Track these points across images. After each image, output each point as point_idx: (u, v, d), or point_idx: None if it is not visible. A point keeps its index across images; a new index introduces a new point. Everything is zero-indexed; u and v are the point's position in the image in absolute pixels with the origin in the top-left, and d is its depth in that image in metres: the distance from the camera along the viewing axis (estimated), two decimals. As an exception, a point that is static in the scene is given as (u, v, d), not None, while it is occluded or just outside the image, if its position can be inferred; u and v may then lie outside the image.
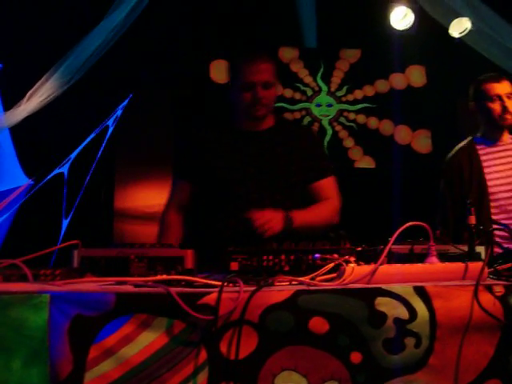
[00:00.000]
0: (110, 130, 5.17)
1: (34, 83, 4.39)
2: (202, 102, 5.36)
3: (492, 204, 3.17)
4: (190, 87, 5.37)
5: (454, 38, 5.01)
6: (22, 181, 4.79)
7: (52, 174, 4.90)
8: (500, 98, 3.19)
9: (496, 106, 3.20)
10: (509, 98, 3.19)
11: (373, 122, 5.63)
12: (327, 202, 2.84)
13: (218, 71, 5.44)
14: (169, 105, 5.36)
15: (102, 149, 5.09)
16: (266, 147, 2.78)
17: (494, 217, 3.13)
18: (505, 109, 3.18)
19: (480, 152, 3.30)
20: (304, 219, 2.66)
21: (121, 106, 5.16)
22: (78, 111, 4.76)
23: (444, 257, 1.79)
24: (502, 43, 4.87)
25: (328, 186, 2.87)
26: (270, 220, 2.53)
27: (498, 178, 3.23)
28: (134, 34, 4.62)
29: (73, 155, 4.99)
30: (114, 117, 5.16)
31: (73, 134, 4.90)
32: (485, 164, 3.26)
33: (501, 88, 3.21)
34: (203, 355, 1.34)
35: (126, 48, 4.74)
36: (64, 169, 4.97)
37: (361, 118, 5.63)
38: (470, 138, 3.41)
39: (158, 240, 2.89)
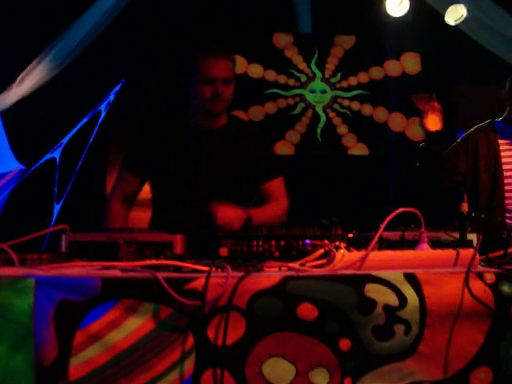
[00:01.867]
0: (103, 114, 5.12)
1: (24, 67, 4.34)
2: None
3: (506, 188, 3.13)
4: (183, 72, 5.32)
5: (449, 25, 4.98)
6: (13, 166, 4.75)
7: (44, 159, 4.86)
8: None
9: None
10: None
11: (367, 109, 5.60)
12: (279, 202, 2.88)
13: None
14: (161, 90, 5.31)
15: (94, 134, 5.04)
16: (218, 145, 2.78)
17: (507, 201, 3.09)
18: None
19: (499, 135, 3.27)
20: (260, 218, 2.64)
21: (113, 91, 5.11)
22: (70, 96, 4.72)
23: (436, 244, 1.78)
24: (498, 30, 4.85)
25: (278, 186, 2.90)
26: (233, 218, 2.53)
27: None
28: (126, 17, 4.58)
29: (65, 140, 4.94)
30: (107, 102, 5.11)
31: (65, 119, 4.85)
32: (502, 147, 3.22)
33: None
34: (190, 341, 1.33)
35: (118, 32, 4.70)
36: (56, 154, 4.93)
37: (355, 105, 5.60)
38: (489, 121, 3.38)
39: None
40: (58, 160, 4.94)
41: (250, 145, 2.83)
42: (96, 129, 5.06)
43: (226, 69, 2.70)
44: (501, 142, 3.24)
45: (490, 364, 1.41)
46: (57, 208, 4.90)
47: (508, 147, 3.22)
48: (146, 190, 5.01)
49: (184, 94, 2.84)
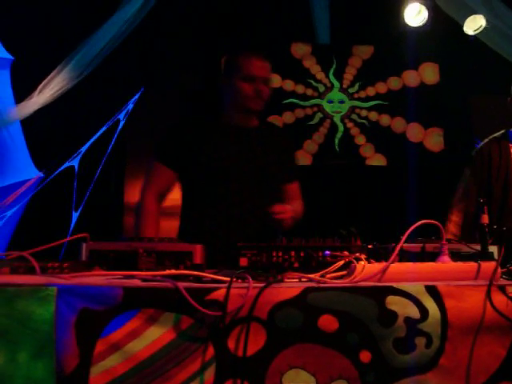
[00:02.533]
0: (121, 123, 5.16)
1: (45, 76, 4.39)
2: (215, 96, 5.34)
3: None
4: (202, 81, 5.35)
5: (468, 36, 4.97)
6: (32, 173, 4.80)
7: (63, 167, 4.91)
8: None
9: None
10: None
11: (385, 120, 5.59)
12: (299, 202, 2.95)
13: (230, 66, 5.41)
14: (180, 99, 5.34)
15: (112, 142, 5.08)
16: (251, 144, 2.83)
17: None
18: None
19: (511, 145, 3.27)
20: (295, 213, 2.76)
21: (132, 100, 5.15)
22: (90, 104, 4.76)
23: (456, 256, 1.77)
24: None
25: (297, 188, 2.99)
26: (288, 211, 2.66)
27: None
28: (146, 26, 4.62)
29: (83, 148, 4.99)
30: (126, 111, 5.16)
31: (84, 127, 4.90)
32: None
33: None
34: (211, 351, 1.33)
35: (138, 41, 4.74)
36: (75, 162, 4.98)
37: (373, 115, 5.59)
38: (503, 131, 3.38)
39: (134, 229, 2.87)
40: (76, 168, 4.98)
41: (278, 147, 2.90)
42: (115, 137, 5.11)
43: (265, 69, 2.79)
44: None
45: (513, 379, 1.39)
46: (75, 216, 4.94)
47: None
48: (169, 198, 5.06)
49: (219, 94, 2.92)
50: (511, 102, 3.34)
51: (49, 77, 4.37)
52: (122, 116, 5.16)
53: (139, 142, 5.26)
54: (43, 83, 4.36)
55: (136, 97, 5.17)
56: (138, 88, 5.14)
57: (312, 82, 5.61)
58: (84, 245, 1.84)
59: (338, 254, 1.72)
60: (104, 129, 5.06)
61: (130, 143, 5.27)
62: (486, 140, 3.38)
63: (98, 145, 5.04)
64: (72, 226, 4.92)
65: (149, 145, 5.22)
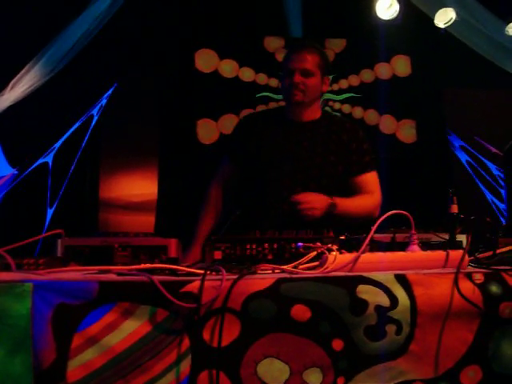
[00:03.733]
0: (95, 119, 5.13)
1: (17, 72, 4.35)
2: (188, 91, 5.35)
3: None
4: (175, 76, 5.34)
5: (439, 28, 5.03)
6: (6, 170, 4.75)
7: (36, 164, 4.87)
8: None
9: None
10: None
11: (358, 112, 5.63)
12: (370, 195, 2.92)
13: (203, 60, 5.42)
14: (154, 94, 5.33)
15: (86, 138, 5.05)
16: (306, 138, 2.87)
17: None
18: None
19: None
20: (346, 207, 2.75)
21: (105, 95, 5.12)
22: (62, 100, 4.72)
23: (426, 245, 1.82)
24: (487, 33, 4.90)
25: (370, 180, 2.95)
26: (315, 202, 2.64)
27: None
28: (118, 22, 4.60)
29: (57, 144, 4.95)
30: (99, 106, 5.13)
31: (57, 124, 4.86)
32: None
33: None
34: (186, 343, 1.35)
35: (110, 36, 4.71)
36: (48, 158, 4.94)
37: (346, 108, 5.63)
38: None
39: (200, 216, 2.96)
40: (50, 164, 4.95)
41: (341, 138, 2.90)
42: (88, 133, 5.08)
43: (306, 61, 2.82)
44: None
45: (480, 362, 1.44)
46: (50, 212, 4.91)
47: None
48: (140, 194, 5.04)
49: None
50: None
51: (20, 73, 4.33)
52: (95, 111, 5.13)
53: (113, 138, 5.24)
54: (15, 79, 4.33)
55: (109, 92, 5.14)
56: (111, 83, 5.11)
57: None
58: (59, 241, 1.85)
59: (310, 245, 1.76)
60: (78, 124, 5.02)
61: (104, 139, 5.24)
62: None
63: (71, 140, 5.00)
64: (47, 222, 4.89)
65: (123, 140, 5.24)
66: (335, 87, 5.64)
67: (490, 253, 1.79)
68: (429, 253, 1.67)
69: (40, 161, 4.89)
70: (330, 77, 3.03)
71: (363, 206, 2.85)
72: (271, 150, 2.85)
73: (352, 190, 2.89)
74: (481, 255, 1.78)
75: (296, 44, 3.04)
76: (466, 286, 1.46)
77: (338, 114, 5.59)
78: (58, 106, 4.71)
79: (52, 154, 4.94)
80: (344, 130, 2.93)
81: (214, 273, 1.44)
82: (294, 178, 2.80)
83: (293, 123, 2.90)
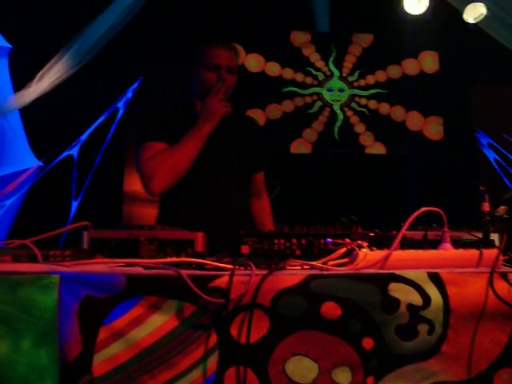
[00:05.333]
0: (120, 112, 5.15)
1: (44, 65, 4.37)
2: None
3: None
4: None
5: (468, 24, 4.95)
6: (31, 163, 4.79)
7: (62, 156, 4.90)
8: None
9: None
10: None
11: (384, 108, 5.58)
12: (262, 204, 3.03)
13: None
14: (179, 88, 5.32)
15: (112, 131, 5.07)
16: (220, 131, 2.78)
17: None
18: None
19: None
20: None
21: (131, 89, 5.14)
22: (89, 93, 4.74)
23: (458, 243, 1.77)
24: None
25: (261, 180, 3.03)
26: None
27: None
28: (145, 15, 4.60)
29: (83, 137, 4.98)
30: (125, 99, 5.14)
31: (83, 116, 4.89)
32: None
33: None
34: (213, 339, 1.33)
35: (137, 30, 4.72)
36: (74, 151, 4.97)
37: (372, 104, 5.58)
38: None
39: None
40: (75, 157, 4.98)
41: (243, 136, 2.91)
42: (114, 126, 5.10)
43: (229, 58, 2.79)
44: None
45: (514, 365, 1.40)
46: (74, 205, 4.94)
47: None
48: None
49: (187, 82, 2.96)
50: None
51: (47, 65, 4.36)
52: (121, 105, 5.14)
53: (138, 131, 5.25)
54: (42, 72, 4.36)
55: (135, 85, 5.15)
56: (137, 76, 5.12)
57: (311, 70, 5.59)
58: (85, 233, 1.84)
59: (339, 241, 1.72)
60: (103, 117, 5.05)
61: (129, 132, 5.26)
62: None
63: (97, 133, 5.04)
64: (71, 214, 4.92)
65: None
66: (362, 83, 5.60)
67: (525, 252, 1.73)
68: (462, 251, 1.62)
69: (65, 153, 4.92)
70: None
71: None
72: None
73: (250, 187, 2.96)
74: (514, 255, 1.73)
75: (212, 40, 2.93)
76: (501, 286, 1.41)
77: (364, 110, 5.54)
78: (84, 98, 4.74)
79: (77, 147, 4.97)
80: (246, 126, 2.99)
81: (242, 268, 1.42)
82: (210, 173, 2.79)
83: None
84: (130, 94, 5.17)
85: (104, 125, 5.06)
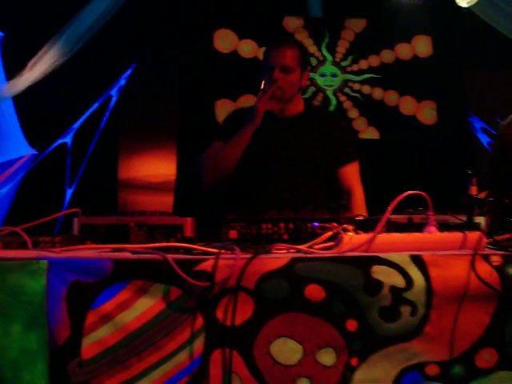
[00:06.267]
0: (114, 99, 5.15)
1: (36, 52, 4.36)
2: (207, 71, 5.33)
3: None
4: (194, 57, 5.33)
5: (461, 8, 4.94)
6: (25, 151, 4.79)
7: (55, 144, 4.91)
8: None
9: None
10: None
11: (377, 93, 5.58)
12: (356, 202, 2.96)
13: (222, 40, 5.40)
14: (172, 75, 5.32)
15: (105, 118, 5.07)
16: (292, 133, 2.89)
17: None
18: None
19: None
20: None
21: (124, 76, 5.13)
22: (81, 81, 4.73)
23: (444, 226, 1.79)
24: (511, 13, 4.81)
25: (351, 172, 2.99)
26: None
27: None
28: (137, 1, 4.59)
29: (76, 125, 4.98)
30: (118, 86, 5.14)
31: (76, 104, 4.88)
32: None
33: None
34: (200, 321, 1.36)
35: (129, 16, 4.71)
36: (67, 138, 4.97)
37: (366, 89, 5.58)
38: None
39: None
40: (69, 144, 4.98)
41: (324, 131, 2.92)
42: (107, 113, 5.10)
43: (286, 58, 2.83)
44: None
45: (496, 345, 1.42)
46: (69, 192, 4.95)
47: None
48: (159, 174, 5.05)
49: None
50: None
51: (39, 53, 4.35)
52: (114, 92, 5.14)
53: (132, 118, 5.26)
54: (34, 59, 4.35)
55: (128, 72, 5.14)
56: (130, 63, 5.11)
57: (306, 54, 5.57)
58: (75, 219, 1.86)
59: (326, 225, 1.74)
60: (96, 105, 5.04)
61: (122, 119, 5.26)
62: (509, 119, 3.35)
63: (90, 121, 5.03)
64: (66, 202, 4.93)
65: (141, 120, 5.25)
66: (355, 68, 5.59)
67: (509, 235, 1.76)
68: (446, 234, 1.65)
69: (59, 141, 4.92)
70: (309, 70, 3.04)
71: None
72: (260, 146, 2.84)
73: (335, 182, 2.96)
74: (499, 237, 1.75)
75: (276, 40, 3.03)
76: (483, 268, 1.43)
77: (357, 95, 5.55)
78: (77, 86, 4.73)
79: (71, 135, 4.97)
80: (325, 122, 2.97)
81: (228, 252, 1.44)
82: (282, 172, 2.85)
83: (276, 118, 2.90)
84: (123, 81, 5.16)
85: (97, 112, 5.05)
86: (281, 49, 2.85)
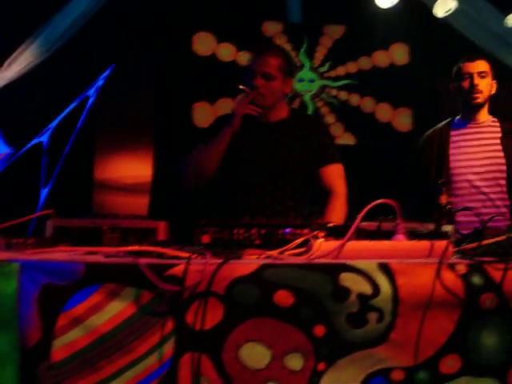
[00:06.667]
0: (91, 100, 5.13)
1: (13, 51, 4.34)
2: (185, 74, 5.34)
3: (453, 186, 3.21)
4: (172, 59, 5.33)
5: (438, 18, 5.01)
6: (1, 149, 4.76)
7: (31, 143, 4.88)
8: (471, 76, 3.22)
9: (466, 84, 3.24)
10: (481, 77, 3.22)
11: (354, 99, 5.63)
12: (337, 200, 2.98)
13: (201, 43, 5.41)
14: (150, 76, 5.32)
15: (82, 119, 5.05)
16: (273, 138, 2.93)
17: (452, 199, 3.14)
18: (472, 86, 3.20)
19: (452, 133, 3.34)
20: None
21: (102, 76, 5.11)
22: (59, 80, 4.72)
23: (413, 235, 1.83)
24: (485, 25, 4.89)
25: (332, 173, 3.01)
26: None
27: (465, 160, 3.26)
28: (116, 2, 4.58)
29: (53, 124, 4.95)
30: (95, 87, 5.12)
31: (53, 104, 4.85)
32: (453, 145, 3.29)
33: (473, 66, 3.24)
34: (170, 325, 1.38)
35: (108, 17, 4.69)
36: (44, 138, 4.94)
37: (343, 95, 5.63)
38: (449, 119, 3.45)
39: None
40: (45, 144, 4.95)
41: (305, 134, 2.96)
42: (84, 114, 5.07)
43: (268, 65, 2.88)
44: (453, 139, 3.31)
45: (459, 352, 1.46)
46: (44, 192, 4.92)
47: (461, 144, 3.29)
48: (135, 175, 5.04)
49: None
50: (453, 89, 3.38)
51: (16, 52, 4.32)
52: (91, 92, 5.12)
53: (109, 119, 5.25)
54: (11, 58, 4.32)
55: (106, 73, 5.13)
56: (108, 64, 5.10)
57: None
58: (48, 222, 1.86)
59: (297, 231, 1.77)
60: (74, 105, 5.02)
61: (99, 120, 5.24)
62: (430, 131, 3.47)
63: (67, 121, 5.00)
64: (41, 202, 4.90)
65: (118, 122, 5.24)
66: (332, 74, 5.64)
67: (476, 244, 1.80)
68: (414, 242, 1.68)
69: (35, 140, 4.89)
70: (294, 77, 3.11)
71: (339, 217, 2.87)
72: (242, 149, 2.90)
73: (318, 183, 2.99)
74: (467, 246, 1.79)
75: (260, 46, 3.15)
76: (449, 277, 1.47)
77: (334, 100, 5.59)
78: (55, 85, 4.71)
79: (47, 134, 4.94)
80: (307, 126, 3.01)
81: (200, 257, 1.46)
82: (264, 177, 2.88)
83: (261, 124, 2.95)
84: (101, 82, 5.14)
85: (74, 112, 5.03)
86: (263, 56, 2.90)
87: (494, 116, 3.37)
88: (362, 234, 1.77)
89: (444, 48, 5.38)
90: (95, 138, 5.19)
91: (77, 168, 5.03)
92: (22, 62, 4.28)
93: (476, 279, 1.48)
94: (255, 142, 2.92)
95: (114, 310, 1.36)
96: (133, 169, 5.18)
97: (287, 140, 2.93)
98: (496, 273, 1.47)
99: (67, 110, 4.96)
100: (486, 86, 3.24)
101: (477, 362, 1.46)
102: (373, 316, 1.43)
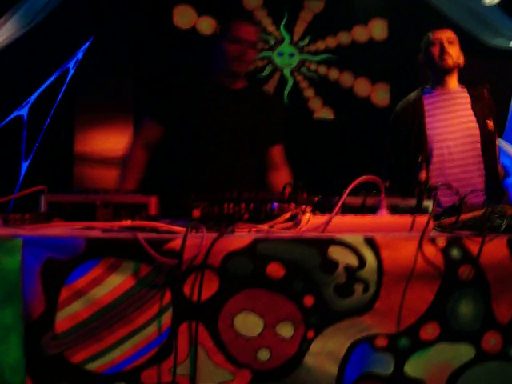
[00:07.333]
0: (71, 72, 5.11)
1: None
2: (166, 47, 5.33)
3: (433, 154, 3.30)
4: (152, 32, 5.32)
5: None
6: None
7: (11, 117, 4.86)
8: (440, 42, 3.32)
9: (435, 49, 3.34)
10: (450, 42, 3.32)
11: (333, 74, 5.69)
12: (286, 175, 3.13)
13: (181, 16, 5.40)
14: (130, 49, 5.30)
15: (62, 92, 5.04)
16: (237, 105, 3.00)
17: (431, 168, 3.23)
18: (442, 49, 3.30)
19: (425, 101, 3.42)
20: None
21: (82, 49, 5.09)
22: (38, 53, 4.70)
23: (395, 210, 1.91)
24: (463, 2, 4.96)
25: (278, 152, 3.17)
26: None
27: (442, 127, 3.35)
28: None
29: (32, 98, 4.94)
30: (75, 59, 5.10)
31: (33, 77, 4.84)
32: (427, 114, 3.38)
33: (442, 32, 3.36)
34: (168, 297, 1.44)
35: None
36: (23, 111, 4.93)
37: (322, 69, 5.68)
38: (419, 89, 3.53)
39: (120, 177, 3.03)
40: (25, 117, 4.94)
41: (262, 109, 3.06)
42: (64, 86, 5.06)
43: (253, 34, 2.96)
44: (426, 108, 3.41)
45: (438, 319, 1.55)
46: (25, 166, 4.92)
47: (436, 111, 3.39)
48: (115, 149, 5.05)
49: (210, 55, 3.06)
50: (422, 60, 3.47)
51: (-4, 25, 4.29)
52: (71, 65, 5.10)
53: (89, 91, 5.24)
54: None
55: (86, 46, 5.10)
56: (87, 37, 5.07)
57: (263, 34, 5.63)
58: (43, 196, 1.91)
59: (285, 206, 1.84)
60: (53, 78, 5.00)
61: (79, 92, 5.23)
62: (401, 103, 3.55)
63: (47, 94, 4.99)
64: (22, 175, 4.91)
65: (99, 94, 5.23)
66: (312, 48, 5.67)
67: (454, 219, 1.88)
68: (396, 217, 1.77)
69: (15, 114, 4.88)
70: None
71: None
72: (204, 114, 2.95)
73: (264, 160, 3.12)
74: (446, 220, 1.87)
75: (238, 15, 3.26)
76: (430, 250, 1.55)
77: (313, 75, 5.64)
78: (34, 58, 4.69)
79: (27, 107, 4.93)
80: (262, 101, 3.12)
81: (194, 230, 1.52)
82: (223, 143, 2.96)
83: (224, 89, 3.01)
84: (80, 55, 5.12)
85: (54, 85, 5.02)
86: (249, 25, 2.99)
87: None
88: (347, 209, 1.85)
89: (422, 24, 5.44)
90: (75, 111, 5.19)
91: (57, 141, 5.04)
92: (2, 34, 4.26)
93: (455, 252, 1.56)
94: (221, 107, 2.98)
95: (114, 283, 1.42)
96: (113, 141, 5.19)
97: (246, 110, 3.02)
98: (473, 246, 1.56)
99: (47, 82, 4.95)
100: (455, 52, 3.35)
101: (454, 328, 1.55)
102: (359, 287, 1.51)
